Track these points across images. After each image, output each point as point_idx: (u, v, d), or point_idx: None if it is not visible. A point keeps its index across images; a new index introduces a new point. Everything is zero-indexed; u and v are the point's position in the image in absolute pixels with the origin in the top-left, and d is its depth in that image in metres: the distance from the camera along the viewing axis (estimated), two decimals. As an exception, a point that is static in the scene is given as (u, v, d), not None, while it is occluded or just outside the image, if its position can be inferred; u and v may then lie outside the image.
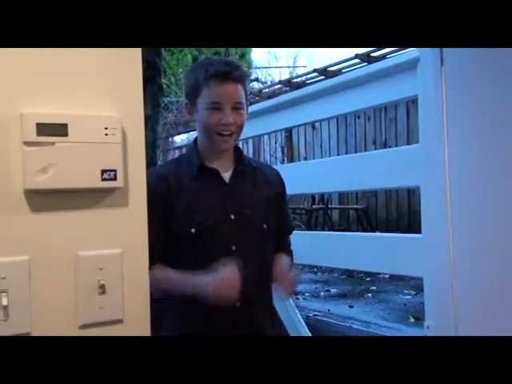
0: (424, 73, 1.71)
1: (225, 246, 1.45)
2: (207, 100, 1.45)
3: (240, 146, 1.64)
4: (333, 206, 8.03)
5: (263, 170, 1.62)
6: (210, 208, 1.47)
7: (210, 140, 1.48)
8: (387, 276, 5.15)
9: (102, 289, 0.90)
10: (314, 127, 8.66)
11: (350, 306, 4.14)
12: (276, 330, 1.57)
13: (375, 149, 7.54)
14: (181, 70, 10.53)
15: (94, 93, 0.90)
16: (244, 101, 1.48)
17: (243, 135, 1.53)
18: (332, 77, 4.99)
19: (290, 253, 1.66)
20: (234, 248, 1.46)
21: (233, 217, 1.47)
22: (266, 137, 9.14)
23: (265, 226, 1.52)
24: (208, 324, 1.43)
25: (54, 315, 0.87)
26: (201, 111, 1.47)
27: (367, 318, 3.67)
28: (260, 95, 8.41)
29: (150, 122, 2.69)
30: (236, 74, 1.45)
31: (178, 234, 1.45)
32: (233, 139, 1.48)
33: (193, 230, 1.44)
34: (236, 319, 1.44)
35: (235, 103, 1.45)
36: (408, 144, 6.47)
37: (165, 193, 1.46)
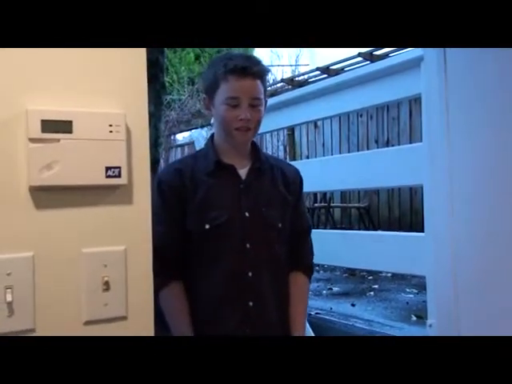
0: (428, 71, 1.71)
1: (239, 244, 1.44)
2: (225, 95, 1.43)
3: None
4: (335, 204, 8.02)
5: (281, 167, 1.59)
6: (224, 205, 1.45)
7: (228, 135, 1.47)
8: (389, 274, 5.15)
9: (106, 285, 0.90)
10: (316, 126, 8.65)
11: (352, 305, 4.14)
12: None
13: (377, 147, 7.53)
14: (183, 68, 10.52)
15: (99, 90, 0.91)
16: (262, 96, 1.46)
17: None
18: (334, 75, 5.00)
19: (309, 270, 1.62)
20: (248, 246, 1.45)
21: (247, 214, 1.46)
22: (268, 135, 9.13)
23: (280, 225, 1.50)
24: (219, 322, 1.43)
25: (58, 312, 0.87)
26: (218, 106, 1.45)
27: (369, 317, 3.67)
28: (262, 93, 8.39)
29: (153, 119, 2.68)
30: (255, 70, 1.43)
31: (192, 230, 1.45)
32: (251, 133, 1.46)
33: (207, 226, 1.43)
34: (248, 318, 1.43)
35: (253, 99, 1.43)
36: (410, 143, 6.46)
37: (180, 187, 1.46)
